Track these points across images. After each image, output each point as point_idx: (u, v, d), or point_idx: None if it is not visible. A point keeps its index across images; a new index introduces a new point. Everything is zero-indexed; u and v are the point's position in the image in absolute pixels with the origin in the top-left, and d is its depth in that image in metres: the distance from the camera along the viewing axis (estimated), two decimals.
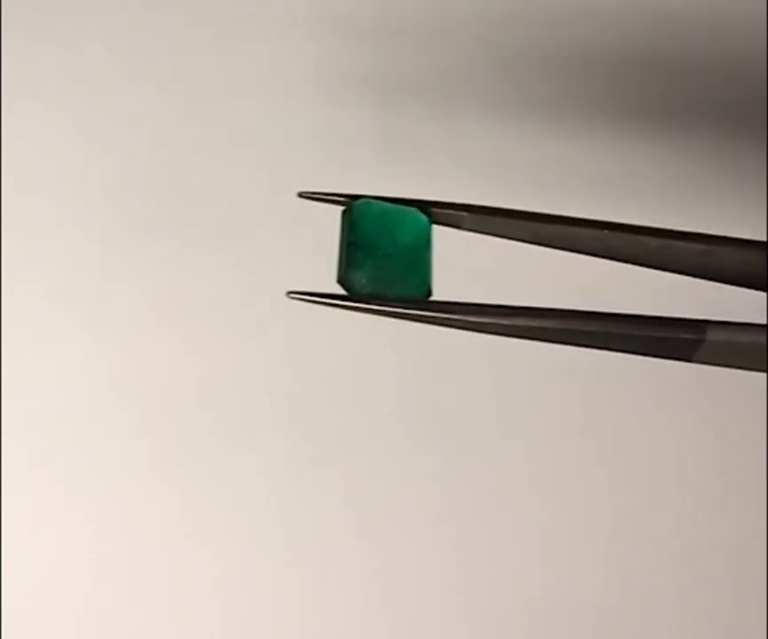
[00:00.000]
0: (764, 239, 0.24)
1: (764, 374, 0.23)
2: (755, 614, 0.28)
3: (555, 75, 0.33)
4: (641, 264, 0.24)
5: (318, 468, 0.31)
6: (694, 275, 0.24)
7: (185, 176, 0.33)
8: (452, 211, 0.24)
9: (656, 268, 0.24)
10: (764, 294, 0.23)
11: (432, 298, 0.22)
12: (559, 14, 0.34)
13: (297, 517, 0.31)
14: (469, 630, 0.29)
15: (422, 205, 0.24)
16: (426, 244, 0.23)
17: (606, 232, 0.24)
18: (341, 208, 0.23)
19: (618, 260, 0.24)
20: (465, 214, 0.24)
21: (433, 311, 0.22)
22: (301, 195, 0.24)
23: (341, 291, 0.23)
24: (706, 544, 0.30)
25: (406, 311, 0.22)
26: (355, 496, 0.31)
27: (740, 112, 0.33)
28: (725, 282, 0.24)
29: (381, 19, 0.34)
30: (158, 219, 0.33)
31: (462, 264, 0.27)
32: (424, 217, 0.23)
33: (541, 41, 0.34)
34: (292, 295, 0.23)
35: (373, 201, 0.23)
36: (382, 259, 0.23)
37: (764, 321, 0.22)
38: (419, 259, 0.23)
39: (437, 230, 0.23)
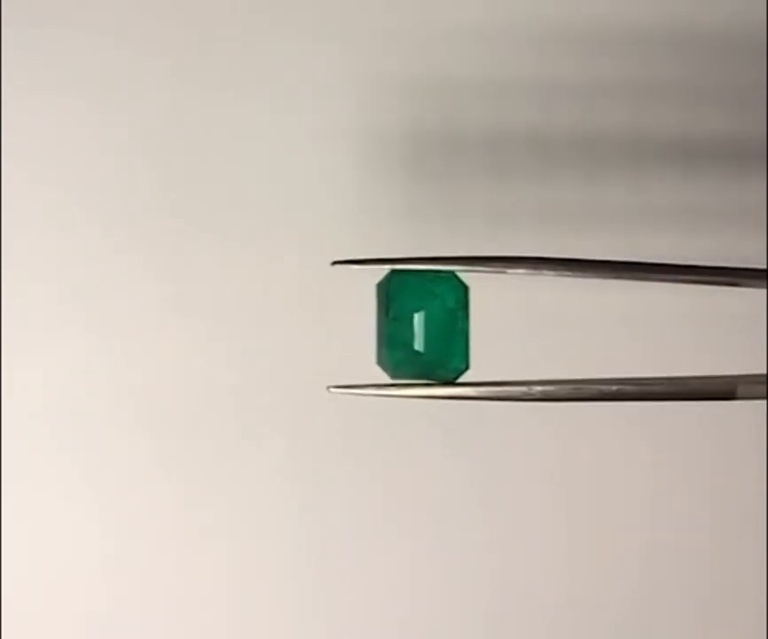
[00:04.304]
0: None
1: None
2: (755, 614, 0.31)
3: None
4: None
5: (323, 467, 0.32)
6: None
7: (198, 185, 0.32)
8: (491, 267, 0.23)
9: None
10: None
11: (472, 379, 0.23)
12: (585, 42, 0.31)
13: (303, 518, 0.32)
14: (474, 631, 0.32)
15: (458, 262, 0.23)
16: (464, 310, 0.23)
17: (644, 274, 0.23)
18: (373, 268, 0.23)
19: None
20: (505, 270, 0.23)
21: (470, 387, 0.23)
22: (334, 263, 0.23)
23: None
24: (705, 544, 0.32)
25: (447, 391, 0.23)
26: (358, 497, 0.32)
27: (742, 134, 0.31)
28: None
29: (419, 77, 0.30)
30: (161, 217, 0.32)
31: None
32: (461, 283, 0.23)
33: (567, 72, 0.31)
34: (333, 390, 0.23)
35: (408, 271, 0.23)
36: (422, 333, 0.23)
37: None
38: (457, 328, 0.23)
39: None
